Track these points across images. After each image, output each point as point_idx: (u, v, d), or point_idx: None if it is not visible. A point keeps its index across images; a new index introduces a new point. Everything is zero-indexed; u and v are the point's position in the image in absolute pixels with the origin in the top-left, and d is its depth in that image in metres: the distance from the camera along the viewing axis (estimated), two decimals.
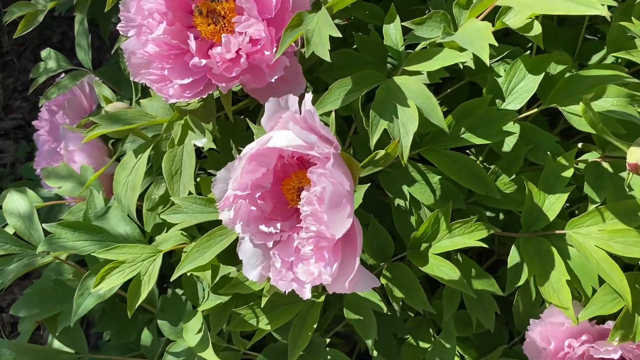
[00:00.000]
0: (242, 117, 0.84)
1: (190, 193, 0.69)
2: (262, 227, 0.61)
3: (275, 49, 0.69)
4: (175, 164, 0.71)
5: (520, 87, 0.76)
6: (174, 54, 0.72)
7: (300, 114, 0.58)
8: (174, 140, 0.73)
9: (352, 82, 0.69)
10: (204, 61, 0.69)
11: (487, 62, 0.58)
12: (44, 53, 1.04)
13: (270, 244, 0.62)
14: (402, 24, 0.71)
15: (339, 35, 0.63)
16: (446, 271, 0.69)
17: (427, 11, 0.80)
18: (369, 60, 0.77)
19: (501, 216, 0.82)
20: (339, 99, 0.68)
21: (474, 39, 0.61)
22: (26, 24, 1.01)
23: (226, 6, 0.72)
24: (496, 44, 0.59)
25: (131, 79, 0.74)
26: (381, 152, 0.62)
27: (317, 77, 0.80)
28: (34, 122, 1.09)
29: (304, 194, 0.58)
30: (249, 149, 0.58)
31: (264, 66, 0.70)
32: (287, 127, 0.59)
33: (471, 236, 0.71)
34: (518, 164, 0.75)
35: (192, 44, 0.70)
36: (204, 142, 0.71)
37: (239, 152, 0.81)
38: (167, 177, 0.70)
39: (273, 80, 0.70)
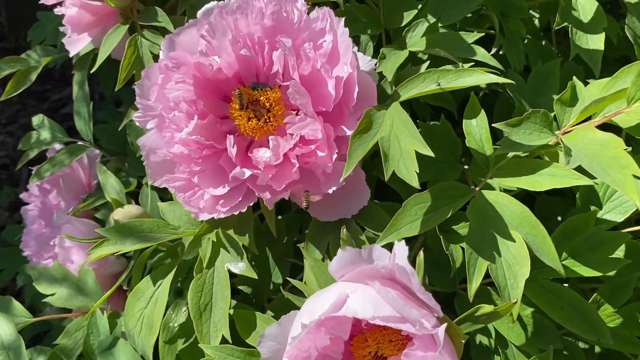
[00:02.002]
0: (279, 217, 0.70)
1: (223, 338, 0.54)
2: None
3: (335, 154, 0.55)
4: (204, 295, 0.56)
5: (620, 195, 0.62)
6: (205, 155, 0.57)
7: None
8: (202, 262, 0.58)
9: (430, 198, 0.54)
10: (247, 172, 0.54)
11: (638, 203, 0.44)
12: (35, 120, 0.88)
13: None
14: (491, 124, 0.57)
15: (430, 153, 0.49)
16: None
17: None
18: (438, 156, 0.63)
19: (597, 348, 0.67)
20: (417, 219, 0.54)
21: (607, 165, 0.47)
22: (16, 83, 0.86)
23: (271, 96, 0.58)
24: None
25: (149, 182, 0.60)
26: (486, 308, 0.47)
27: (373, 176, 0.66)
28: (21, 196, 0.93)
29: None
30: (316, 313, 0.44)
31: (319, 173, 0.56)
32: (368, 283, 0.44)
33: None
34: (627, 293, 0.61)
35: (233, 150, 0.56)
36: (241, 267, 0.56)
37: (278, 265, 0.67)
38: (194, 314, 0.55)
39: (330, 192, 0.55)
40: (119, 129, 0.78)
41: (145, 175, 0.84)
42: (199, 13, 0.61)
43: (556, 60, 0.70)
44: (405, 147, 0.51)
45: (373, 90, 0.57)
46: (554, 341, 0.60)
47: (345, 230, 0.54)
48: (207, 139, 0.57)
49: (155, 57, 0.67)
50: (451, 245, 0.58)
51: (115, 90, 0.67)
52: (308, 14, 0.58)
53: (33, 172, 0.84)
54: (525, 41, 0.75)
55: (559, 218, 0.73)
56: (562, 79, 0.70)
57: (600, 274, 0.57)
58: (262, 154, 0.56)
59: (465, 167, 0.63)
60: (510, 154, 0.57)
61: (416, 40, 0.68)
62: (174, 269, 0.59)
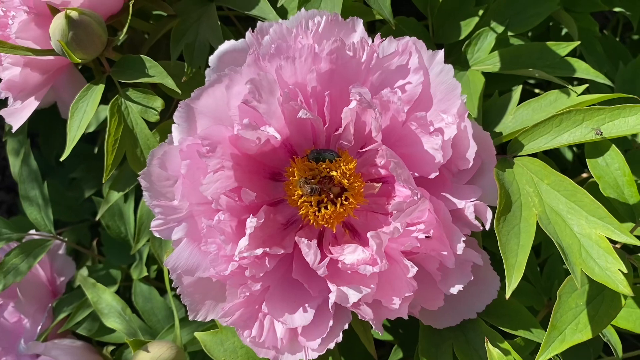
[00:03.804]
0: None
1: None
2: None
3: (462, 240, 0.39)
4: None
5: None
6: (270, 269, 0.40)
7: None
8: None
9: (587, 279, 0.40)
10: (355, 296, 0.37)
11: None
12: None
13: None
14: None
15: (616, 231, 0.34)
16: None
17: None
18: None
19: None
20: (581, 312, 0.39)
21: None
22: None
23: (346, 169, 0.41)
24: None
25: (190, 316, 0.41)
26: None
27: None
28: None
29: None
30: None
31: (434, 269, 0.40)
32: None
33: None
34: None
35: (312, 254, 0.38)
36: None
37: None
38: None
39: (455, 292, 0.40)
40: (97, 218, 0.58)
41: (133, 263, 0.64)
42: (213, 60, 0.43)
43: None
44: (581, 229, 0.36)
45: (488, 142, 0.42)
46: None
47: (491, 346, 0.39)
48: (267, 243, 0.40)
49: (151, 127, 0.48)
50: None
51: (103, 181, 0.47)
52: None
53: None
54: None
55: None
56: None
57: None
58: (356, 259, 0.39)
59: None
60: None
61: (484, 57, 0.53)
62: None
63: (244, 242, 0.38)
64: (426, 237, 0.39)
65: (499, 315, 0.43)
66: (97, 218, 0.58)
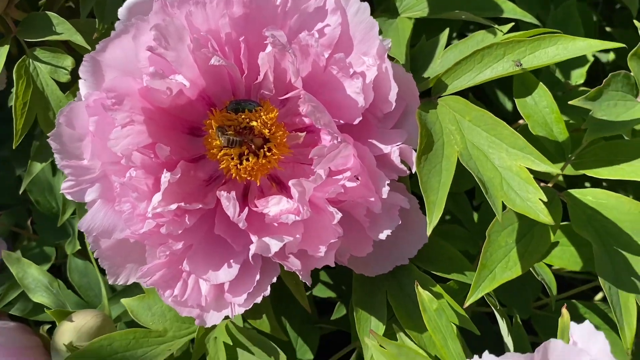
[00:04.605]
0: None
1: None
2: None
3: (387, 184, 0.38)
4: None
5: None
6: (189, 226, 0.38)
7: None
8: None
9: (516, 216, 0.40)
10: (275, 243, 0.36)
11: None
12: None
13: None
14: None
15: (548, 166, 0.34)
16: None
17: None
18: None
19: None
20: (511, 250, 0.39)
21: None
22: None
23: (267, 118, 0.39)
24: None
25: (110, 281, 0.39)
26: None
27: None
28: None
29: None
30: None
31: (361, 216, 0.39)
32: None
33: None
34: None
35: (231, 207, 0.37)
36: None
37: (301, 335, 0.50)
38: None
39: (383, 237, 0.39)
40: (20, 191, 0.55)
41: (67, 238, 0.62)
42: (122, 12, 0.40)
43: (572, 1, 0.57)
44: (502, 162, 0.35)
45: (411, 84, 0.40)
46: None
47: (421, 289, 0.38)
48: (186, 199, 0.38)
49: (64, 88, 0.45)
50: (537, 267, 0.44)
51: (13, 147, 0.44)
52: None
53: None
54: None
55: None
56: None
57: None
58: (280, 210, 0.38)
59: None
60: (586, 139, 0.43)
61: (412, 3, 0.52)
62: None
63: (157, 197, 0.36)
64: (352, 183, 0.38)
65: (432, 260, 0.42)
66: (21, 191, 0.55)
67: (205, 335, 0.41)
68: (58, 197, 0.61)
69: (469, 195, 0.51)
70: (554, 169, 0.34)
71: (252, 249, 0.36)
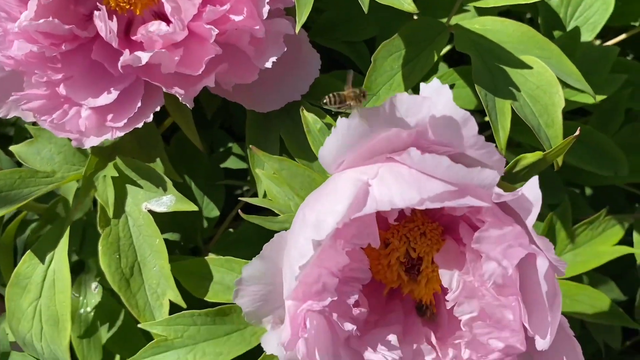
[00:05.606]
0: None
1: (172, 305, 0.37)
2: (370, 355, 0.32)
3: (267, 8, 0.37)
4: (124, 255, 0.38)
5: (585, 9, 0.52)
6: (66, 50, 0.37)
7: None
8: (105, 211, 0.39)
9: (403, 43, 0.40)
10: (145, 55, 0.35)
11: None
12: None
13: None
14: None
15: None
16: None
17: None
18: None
19: (588, 191, 0.59)
20: (396, 74, 0.39)
21: None
22: None
23: None
24: None
25: None
26: (528, 158, 0.34)
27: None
28: None
29: (450, 278, 0.30)
30: (329, 221, 0.28)
31: (245, 44, 0.38)
32: (386, 160, 0.29)
33: (604, 240, 0.48)
34: (619, 116, 0.52)
35: (104, 26, 0.36)
36: (168, 202, 0.39)
37: (207, 193, 0.50)
38: (118, 284, 0.37)
39: (269, 65, 0.39)
40: None
41: None
42: None
43: None
44: None
45: None
46: (561, 193, 0.51)
47: (305, 112, 0.38)
48: (60, 20, 0.37)
49: None
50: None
51: None
52: None
53: None
54: None
55: None
56: None
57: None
58: (156, 28, 0.37)
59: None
60: None
61: None
62: (65, 233, 0.40)
63: (27, 13, 0.35)
64: (239, 17, 0.37)
65: (320, 95, 0.42)
66: None
67: (94, 174, 0.40)
68: None
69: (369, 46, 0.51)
70: None
71: (122, 59, 0.35)
